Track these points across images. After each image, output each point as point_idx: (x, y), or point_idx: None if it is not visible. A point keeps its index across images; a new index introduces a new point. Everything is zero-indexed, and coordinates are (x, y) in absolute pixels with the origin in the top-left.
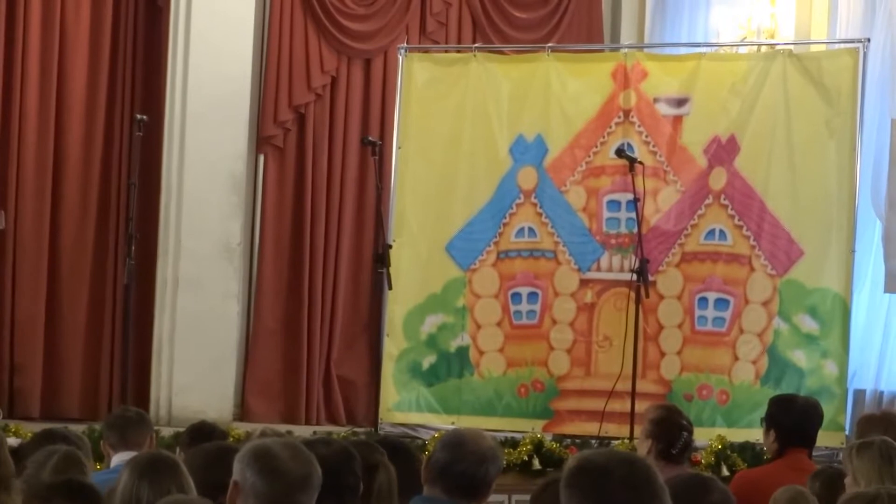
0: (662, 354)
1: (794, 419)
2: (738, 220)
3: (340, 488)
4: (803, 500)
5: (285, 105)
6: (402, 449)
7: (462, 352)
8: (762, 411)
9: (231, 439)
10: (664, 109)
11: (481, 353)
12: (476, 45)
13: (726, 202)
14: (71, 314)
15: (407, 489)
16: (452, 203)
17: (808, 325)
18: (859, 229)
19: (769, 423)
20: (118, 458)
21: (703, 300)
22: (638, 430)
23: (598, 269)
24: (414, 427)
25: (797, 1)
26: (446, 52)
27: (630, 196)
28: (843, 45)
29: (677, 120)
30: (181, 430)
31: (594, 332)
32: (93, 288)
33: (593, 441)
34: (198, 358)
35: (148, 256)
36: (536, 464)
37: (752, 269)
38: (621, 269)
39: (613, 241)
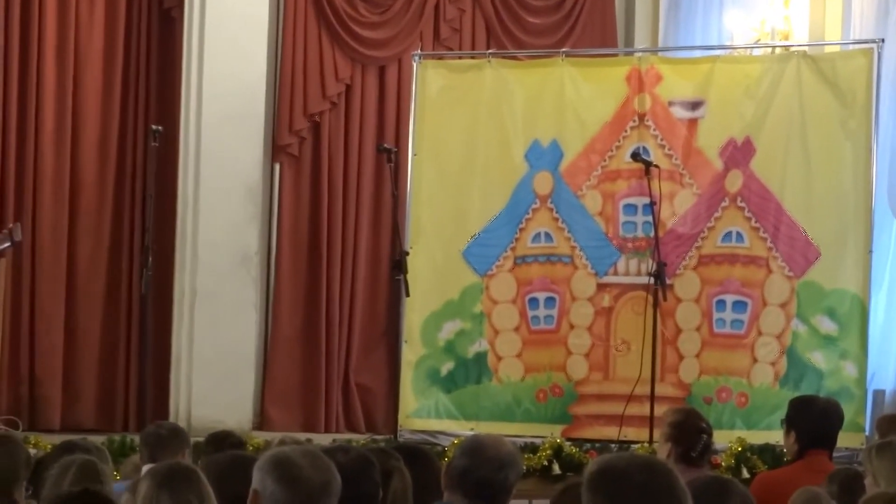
0: (681, 358)
1: (814, 420)
2: (755, 223)
3: (359, 496)
4: (819, 501)
5: (300, 113)
6: (420, 454)
7: (480, 358)
8: (782, 413)
9: (250, 448)
10: (679, 113)
11: (499, 358)
12: (490, 51)
13: (743, 204)
14: (89, 326)
15: (427, 494)
16: (468, 209)
17: (827, 326)
18: (876, 230)
19: (789, 425)
20: None
21: (721, 303)
22: (657, 434)
23: (616, 274)
24: (433, 433)
25: (811, 2)
26: (460, 58)
27: (646, 200)
28: (857, 46)
29: (692, 123)
30: (200, 439)
31: (612, 336)
32: (110, 299)
33: (613, 445)
34: (216, 367)
35: (165, 267)
36: (556, 468)
37: (770, 271)
38: (638, 273)
39: (630, 245)
